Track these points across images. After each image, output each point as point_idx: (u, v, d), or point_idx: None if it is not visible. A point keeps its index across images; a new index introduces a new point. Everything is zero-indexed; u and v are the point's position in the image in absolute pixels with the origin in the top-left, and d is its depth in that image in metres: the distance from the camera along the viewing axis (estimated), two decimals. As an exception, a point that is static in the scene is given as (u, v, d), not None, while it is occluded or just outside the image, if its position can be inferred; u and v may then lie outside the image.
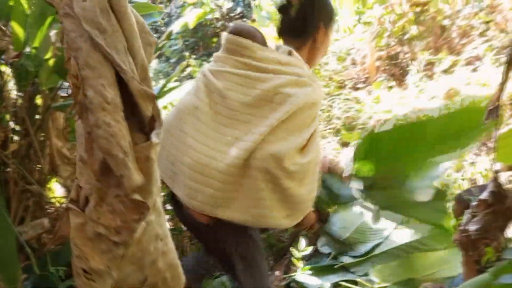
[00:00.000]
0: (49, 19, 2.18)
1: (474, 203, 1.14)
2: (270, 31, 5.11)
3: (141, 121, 0.44)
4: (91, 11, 0.43)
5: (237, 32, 1.50)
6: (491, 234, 1.12)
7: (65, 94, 2.64)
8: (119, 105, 0.44)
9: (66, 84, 2.47)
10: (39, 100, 2.32)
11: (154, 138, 0.45)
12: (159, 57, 7.59)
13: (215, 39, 8.26)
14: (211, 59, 1.57)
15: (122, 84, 0.44)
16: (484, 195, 1.10)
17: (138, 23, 0.49)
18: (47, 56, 2.21)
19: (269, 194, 1.42)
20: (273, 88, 1.44)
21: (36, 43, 2.17)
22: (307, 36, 1.61)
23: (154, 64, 7.16)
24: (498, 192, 1.08)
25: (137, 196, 0.43)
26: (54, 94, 2.33)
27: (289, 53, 1.54)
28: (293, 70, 1.48)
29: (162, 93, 2.85)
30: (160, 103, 4.59)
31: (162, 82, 6.65)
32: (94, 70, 0.42)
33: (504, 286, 1.05)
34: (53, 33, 2.28)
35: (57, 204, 2.53)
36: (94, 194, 0.43)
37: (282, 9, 1.63)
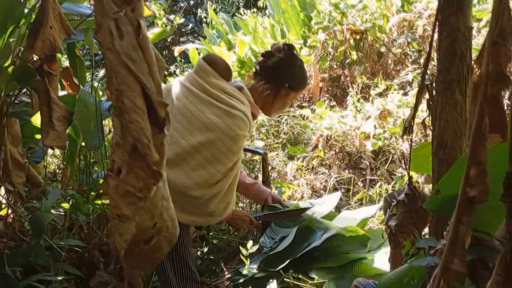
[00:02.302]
0: (10, 28, 2.25)
1: (393, 203, 1.39)
2: (221, 50, 5.33)
3: (157, 120, 0.67)
4: (126, 48, 0.65)
5: (207, 58, 1.79)
6: (407, 229, 1.36)
7: (20, 101, 2.67)
8: (144, 110, 0.66)
9: (23, 91, 2.52)
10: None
11: (165, 131, 0.68)
12: (106, 67, 7.58)
13: (164, 52, 8.36)
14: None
15: (146, 96, 0.66)
16: (401, 197, 1.35)
17: (155, 54, 0.71)
18: (7, 63, 2.26)
19: (178, 201, 1.71)
20: (205, 112, 1.70)
21: (-4, 51, 2.22)
22: (271, 85, 1.85)
23: (102, 74, 7.13)
24: (412, 194, 1.33)
25: (155, 168, 0.66)
26: (12, 100, 2.37)
27: (240, 89, 1.80)
28: (231, 101, 1.73)
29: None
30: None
31: (110, 92, 6.67)
32: (128, 87, 0.64)
33: (416, 268, 1.30)
34: (12, 40, 2.34)
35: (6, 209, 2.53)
36: (125, 166, 0.66)
37: (264, 54, 1.89)
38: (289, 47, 1.88)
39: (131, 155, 0.65)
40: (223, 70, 1.79)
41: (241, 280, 2.20)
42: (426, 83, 1.29)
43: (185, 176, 1.66)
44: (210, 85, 1.74)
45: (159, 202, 0.71)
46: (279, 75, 1.85)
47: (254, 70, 1.95)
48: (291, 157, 3.72)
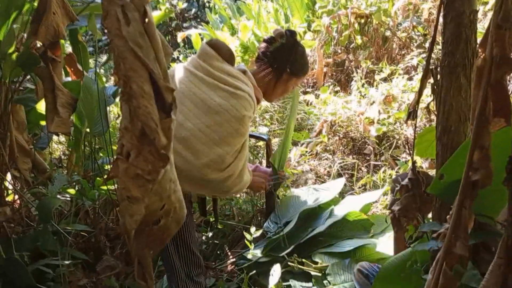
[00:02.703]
0: (13, 15, 2.24)
1: (397, 188, 1.39)
2: (224, 35, 5.30)
3: (164, 105, 0.68)
4: (133, 34, 0.66)
5: (210, 43, 1.79)
6: (410, 213, 1.37)
7: (24, 87, 2.68)
8: (151, 95, 0.69)
9: (28, 77, 2.53)
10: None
11: (172, 115, 0.70)
12: (110, 53, 7.55)
13: (167, 38, 8.32)
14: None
15: (153, 81, 0.68)
16: (405, 181, 1.35)
17: (161, 40, 0.72)
18: (11, 50, 2.26)
19: (189, 186, 1.72)
20: (210, 95, 1.71)
21: (0, 37, 2.23)
22: (272, 71, 1.87)
23: (104, 61, 7.11)
24: (416, 178, 1.34)
25: (163, 151, 0.68)
26: (17, 87, 2.38)
27: (243, 72, 1.81)
28: (236, 83, 1.74)
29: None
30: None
31: (114, 78, 6.66)
32: (136, 72, 0.65)
33: (419, 252, 1.31)
34: (15, 27, 2.34)
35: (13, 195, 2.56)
36: (134, 149, 0.69)
37: (266, 40, 1.91)
38: (291, 33, 1.90)
39: (139, 139, 0.68)
40: (227, 55, 1.79)
41: (245, 264, 2.23)
42: (430, 67, 1.28)
43: (193, 158, 1.67)
44: (214, 68, 1.75)
45: (167, 185, 0.74)
46: (281, 60, 1.86)
47: (256, 55, 1.96)
48: (295, 143, 3.73)
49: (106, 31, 0.67)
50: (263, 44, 1.92)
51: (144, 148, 0.67)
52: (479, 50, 0.85)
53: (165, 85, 0.68)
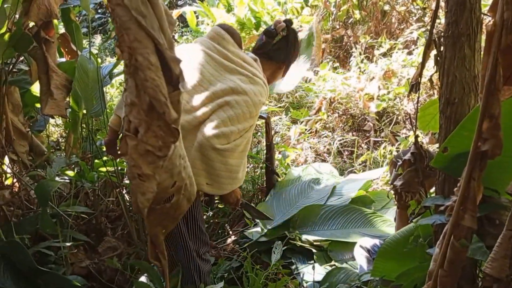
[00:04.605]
0: (3, -6, 2.18)
1: (399, 163, 1.38)
2: (220, 12, 5.20)
3: (172, 77, 0.65)
4: (135, 2, 0.63)
5: (224, 27, 1.84)
6: (413, 188, 1.35)
7: (18, 69, 2.63)
8: (158, 66, 0.66)
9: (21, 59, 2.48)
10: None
11: (181, 88, 0.66)
12: (104, 33, 7.43)
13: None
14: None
15: (158, 52, 0.64)
16: (407, 156, 1.33)
17: (164, 9, 0.69)
18: (3, 30, 2.21)
19: (196, 161, 1.67)
20: (231, 78, 1.74)
21: (-10, 17, 2.17)
22: (274, 62, 1.92)
23: (99, 41, 6.98)
24: (419, 153, 1.32)
25: (173, 126, 0.65)
26: (11, 68, 2.33)
27: (255, 60, 1.86)
28: (252, 69, 1.79)
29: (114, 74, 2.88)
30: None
31: (109, 59, 6.56)
32: (140, 43, 0.62)
33: (422, 227, 1.29)
34: (6, 6, 2.28)
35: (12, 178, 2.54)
36: (143, 125, 0.66)
37: (267, 33, 1.95)
38: (290, 23, 1.95)
39: (148, 114, 0.65)
40: (239, 42, 1.83)
41: (247, 244, 2.23)
42: (433, 38, 1.24)
43: (206, 129, 1.67)
44: (232, 53, 1.79)
45: (177, 161, 0.72)
46: (283, 54, 1.91)
47: (256, 46, 1.97)
48: (294, 121, 3.70)
49: (106, 1, 0.63)
50: (265, 37, 1.94)
51: (153, 123, 0.65)
52: (489, 14, 0.81)
53: (171, 56, 0.65)
